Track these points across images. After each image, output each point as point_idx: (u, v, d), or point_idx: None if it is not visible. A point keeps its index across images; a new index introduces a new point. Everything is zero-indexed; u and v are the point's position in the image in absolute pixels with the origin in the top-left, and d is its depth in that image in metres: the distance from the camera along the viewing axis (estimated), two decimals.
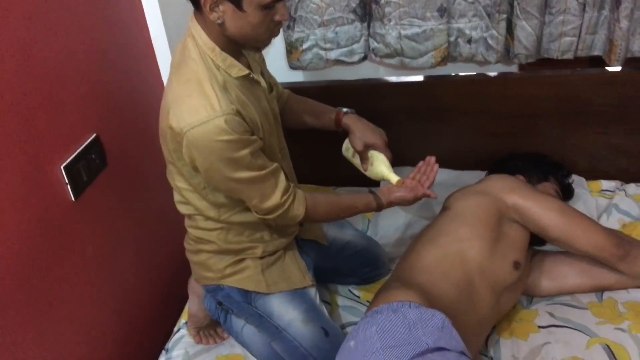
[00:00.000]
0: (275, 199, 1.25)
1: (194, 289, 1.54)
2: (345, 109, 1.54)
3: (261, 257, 1.40)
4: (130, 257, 1.60)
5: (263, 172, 1.22)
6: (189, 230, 1.42)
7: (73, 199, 1.33)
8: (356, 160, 1.54)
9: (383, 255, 1.69)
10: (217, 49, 1.20)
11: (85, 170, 1.37)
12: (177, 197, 1.39)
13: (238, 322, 1.46)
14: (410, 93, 1.93)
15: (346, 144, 1.55)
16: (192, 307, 1.55)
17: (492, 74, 1.89)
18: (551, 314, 1.48)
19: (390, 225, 1.83)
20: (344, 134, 1.54)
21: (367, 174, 1.52)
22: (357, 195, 1.44)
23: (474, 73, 1.92)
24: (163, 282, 1.79)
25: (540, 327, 1.45)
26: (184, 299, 1.66)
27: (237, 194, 1.27)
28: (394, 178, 1.45)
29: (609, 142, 1.89)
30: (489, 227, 1.42)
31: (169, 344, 1.54)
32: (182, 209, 1.39)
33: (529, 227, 1.46)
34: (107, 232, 1.48)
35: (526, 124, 1.90)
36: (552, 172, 1.70)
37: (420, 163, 1.50)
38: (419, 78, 1.93)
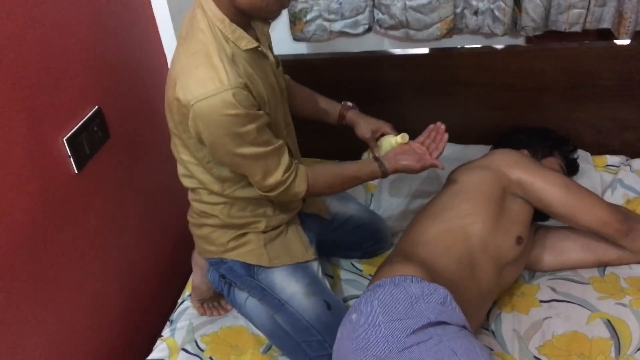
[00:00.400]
0: (277, 176, 1.25)
1: (198, 261, 1.55)
2: (350, 103, 1.55)
3: (264, 232, 1.40)
4: (133, 229, 1.61)
5: (268, 148, 1.22)
6: (193, 203, 1.42)
7: (76, 171, 1.33)
8: None
9: (385, 229, 1.70)
10: (227, 20, 1.18)
11: (88, 143, 1.36)
12: (181, 170, 1.38)
13: (241, 295, 1.48)
14: (415, 66, 1.91)
15: (365, 154, 1.57)
16: (196, 279, 1.56)
17: (499, 46, 1.86)
18: (553, 289, 1.49)
19: (393, 199, 1.83)
20: (344, 128, 1.55)
21: (381, 150, 1.51)
22: (360, 164, 1.43)
23: (480, 45, 1.89)
24: (167, 254, 1.80)
25: (541, 301, 1.46)
26: (188, 270, 1.67)
27: (240, 169, 1.26)
28: (400, 137, 1.44)
29: (616, 116, 1.87)
30: (492, 202, 1.41)
31: (174, 315, 1.55)
32: (186, 182, 1.39)
33: (532, 203, 1.45)
34: (110, 204, 1.48)
35: (532, 97, 1.88)
36: (557, 146, 1.69)
37: (431, 126, 1.48)
38: (424, 50, 1.90)
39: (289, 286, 1.39)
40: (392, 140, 1.47)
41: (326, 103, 1.56)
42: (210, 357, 1.41)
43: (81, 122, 1.34)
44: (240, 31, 1.20)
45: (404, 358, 1.07)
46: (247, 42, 1.21)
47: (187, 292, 1.62)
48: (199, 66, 1.15)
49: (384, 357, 1.09)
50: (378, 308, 1.15)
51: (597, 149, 1.91)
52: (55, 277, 1.28)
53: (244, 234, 1.40)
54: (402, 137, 1.45)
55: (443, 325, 1.13)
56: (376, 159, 1.42)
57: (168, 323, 1.53)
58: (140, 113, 1.63)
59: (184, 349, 1.44)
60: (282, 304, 1.38)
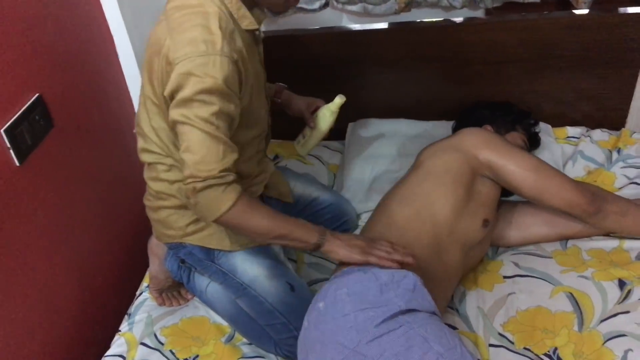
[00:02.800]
0: (212, 165, 1.12)
1: (154, 250, 1.50)
2: (282, 84, 1.59)
3: None
4: (86, 221, 1.54)
5: (219, 134, 1.13)
6: (149, 183, 1.36)
7: (17, 163, 1.25)
8: (310, 138, 1.54)
9: (350, 211, 1.67)
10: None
11: (29, 133, 1.29)
12: (142, 143, 1.32)
13: (202, 281, 1.43)
14: (374, 41, 1.87)
15: (299, 137, 1.57)
16: (153, 268, 1.51)
17: (458, 19, 1.83)
18: (516, 264, 1.48)
19: (356, 179, 1.79)
20: (277, 107, 1.54)
21: (316, 132, 1.51)
22: (299, 226, 1.23)
23: (440, 19, 1.85)
24: (124, 245, 1.74)
25: (505, 277, 1.46)
26: (147, 261, 1.61)
27: (181, 140, 1.14)
28: (337, 98, 1.40)
29: (576, 87, 1.86)
30: (461, 185, 1.38)
31: (131, 309, 1.50)
32: (145, 157, 1.33)
33: (501, 184, 1.44)
34: (58, 196, 1.41)
35: (492, 70, 1.86)
36: (519, 121, 1.68)
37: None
38: (383, 25, 1.86)
39: (251, 269, 1.36)
40: (330, 107, 1.44)
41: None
42: (171, 350, 1.37)
43: (20, 112, 1.26)
44: (244, 10, 1.20)
45: (374, 348, 1.05)
46: (249, 22, 1.22)
47: (145, 283, 1.57)
48: (195, 26, 1.12)
49: (353, 347, 1.06)
50: (347, 297, 1.12)
51: (558, 121, 1.91)
52: (3, 273, 1.21)
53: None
54: (340, 98, 1.40)
55: (413, 312, 1.10)
56: (322, 230, 1.25)
57: (126, 317, 1.48)
58: (86, 99, 1.55)
59: (142, 343, 1.39)
60: (245, 287, 1.35)
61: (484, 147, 1.42)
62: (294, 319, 1.32)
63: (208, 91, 1.11)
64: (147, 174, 1.37)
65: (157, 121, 1.26)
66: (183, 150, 1.14)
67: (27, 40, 1.29)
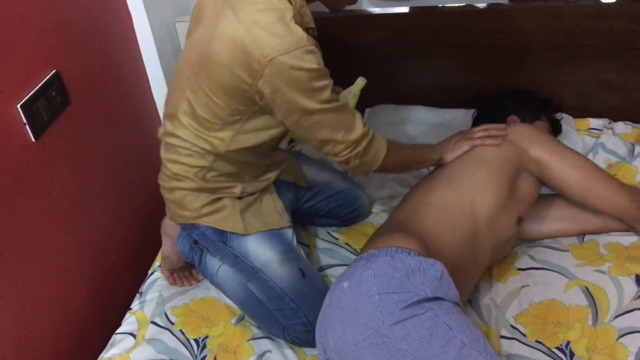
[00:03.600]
0: (359, 128, 1.23)
1: (167, 230, 1.50)
2: None
3: (239, 197, 1.35)
4: (101, 198, 1.55)
5: (340, 103, 1.21)
6: (167, 164, 1.35)
7: (33, 139, 1.26)
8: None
9: (363, 197, 1.65)
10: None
11: (46, 109, 1.29)
12: (170, 127, 1.31)
13: (213, 263, 1.43)
14: (394, 26, 1.84)
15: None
16: (165, 249, 1.51)
17: (481, 5, 1.79)
18: (531, 257, 1.46)
19: None
20: None
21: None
22: (425, 149, 1.44)
23: (462, 4, 1.82)
24: (138, 223, 1.74)
25: (519, 269, 1.44)
26: (159, 240, 1.62)
27: (318, 130, 1.20)
28: (359, 80, 1.39)
29: (600, 78, 1.82)
30: (506, 176, 1.35)
31: (143, 287, 1.51)
32: (170, 139, 1.31)
33: (547, 182, 1.40)
34: (74, 173, 1.42)
35: (514, 58, 1.82)
36: (542, 109, 1.65)
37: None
38: (404, 9, 1.83)
39: (263, 253, 1.35)
40: (352, 89, 1.41)
41: None
42: (181, 330, 1.38)
43: (37, 88, 1.26)
44: (306, 8, 1.21)
45: (398, 330, 1.04)
46: (309, 19, 1.23)
47: (157, 262, 1.57)
48: (274, 22, 1.10)
49: (375, 328, 1.05)
50: (373, 278, 1.11)
51: (580, 112, 1.87)
52: (19, 249, 1.23)
53: (219, 199, 1.35)
54: (361, 80, 1.39)
55: (438, 300, 1.09)
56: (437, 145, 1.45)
57: (137, 295, 1.49)
58: (104, 77, 1.55)
59: (153, 322, 1.40)
60: (256, 271, 1.35)
61: (536, 142, 1.39)
62: (303, 305, 1.32)
63: (317, 77, 1.13)
64: (166, 155, 1.36)
65: (205, 111, 1.23)
66: (325, 136, 1.21)
67: (46, 16, 1.29)
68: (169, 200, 1.40)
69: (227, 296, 1.44)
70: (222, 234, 1.36)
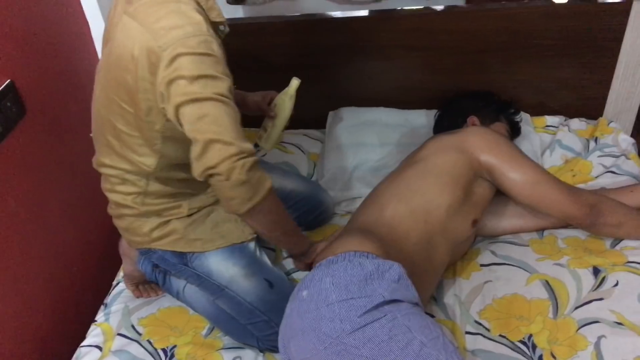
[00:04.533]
0: (248, 145, 1.11)
1: (125, 252, 1.47)
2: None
3: (189, 215, 1.32)
4: (60, 209, 1.52)
5: (234, 104, 1.12)
6: (106, 194, 1.32)
7: None
8: (273, 129, 1.47)
9: (327, 200, 1.66)
10: None
11: (0, 120, 1.26)
12: (99, 154, 1.28)
13: (178, 283, 1.42)
14: (354, 29, 1.85)
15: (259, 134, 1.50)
16: (127, 268, 1.49)
17: (438, 7, 1.82)
18: (493, 252, 1.49)
19: (337, 168, 1.79)
20: None
21: (277, 120, 1.44)
22: (301, 234, 1.42)
23: (420, 7, 1.85)
24: (100, 234, 1.72)
25: (482, 265, 1.47)
26: None
27: (208, 124, 1.08)
28: (293, 81, 1.37)
29: (555, 76, 1.87)
30: (459, 187, 1.37)
31: (108, 299, 1.49)
32: (103, 169, 1.29)
33: (498, 187, 1.43)
34: (31, 184, 1.39)
35: (473, 59, 1.86)
36: (502, 110, 1.68)
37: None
38: (364, 13, 1.84)
39: (227, 270, 1.32)
40: (287, 91, 1.40)
41: None
42: (149, 340, 1.36)
43: None
44: (213, 1, 1.16)
45: (357, 337, 1.05)
46: (217, 14, 1.18)
47: (121, 273, 1.55)
48: (170, 13, 1.08)
49: (336, 337, 1.06)
50: (331, 286, 1.12)
51: (537, 110, 1.91)
52: None
53: (167, 222, 1.31)
54: (295, 80, 1.37)
55: (397, 302, 1.11)
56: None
57: (102, 307, 1.47)
58: (60, 84, 1.52)
59: (120, 334, 1.38)
60: (222, 289, 1.32)
61: (487, 150, 1.41)
62: (274, 315, 1.29)
63: (214, 67, 1.08)
64: (104, 185, 1.32)
65: (124, 123, 1.19)
66: (206, 125, 1.07)
67: None
68: (121, 228, 1.37)
69: (197, 312, 1.42)
70: (181, 256, 1.33)
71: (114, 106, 1.19)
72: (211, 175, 1.10)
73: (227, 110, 1.09)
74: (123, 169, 1.25)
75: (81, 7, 1.61)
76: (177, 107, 1.08)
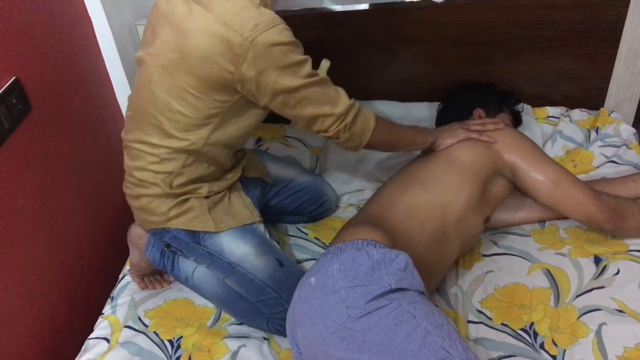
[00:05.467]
0: (344, 100, 1.25)
1: (134, 240, 1.49)
2: None
3: (206, 197, 1.36)
4: (68, 204, 1.54)
5: (323, 77, 1.23)
6: (132, 172, 1.36)
7: None
8: None
9: (329, 192, 1.68)
10: None
11: (6, 117, 1.28)
12: (139, 133, 1.31)
13: (187, 266, 1.43)
14: (355, 22, 1.86)
15: None
16: (134, 258, 1.51)
17: (438, 0, 1.82)
18: (495, 243, 1.51)
19: (340, 161, 1.80)
20: None
21: None
22: (420, 131, 1.44)
23: (421, 0, 1.85)
24: (107, 228, 1.74)
25: (484, 255, 1.48)
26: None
27: (305, 106, 1.22)
28: (322, 66, 1.41)
29: (556, 67, 1.87)
30: (479, 181, 1.38)
31: (114, 292, 1.51)
32: (138, 145, 1.32)
33: (519, 187, 1.44)
34: (39, 180, 1.41)
35: (473, 51, 1.87)
36: (504, 101, 1.69)
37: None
38: (364, 6, 1.85)
39: (238, 248, 1.36)
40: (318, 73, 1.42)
41: None
42: (155, 332, 1.38)
43: None
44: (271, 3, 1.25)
45: (363, 323, 1.07)
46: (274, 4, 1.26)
47: (127, 266, 1.57)
48: (246, 7, 1.15)
49: (342, 323, 1.07)
50: (338, 273, 1.13)
51: (538, 101, 1.92)
52: None
53: (186, 200, 1.35)
54: (325, 62, 1.41)
55: (403, 291, 1.12)
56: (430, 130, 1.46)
57: (109, 300, 1.49)
58: (65, 81, 1.54)
59: (127, 326, 1.40)
60: (233, 267, 1.35)
61: (513, 148, 1.41)
62: (284, 293, 1.33)
63: (296, 50, 1.17)
64: (131, 163, 1.36)
65: (184, 107, 1.24)
66: (312, 111, 1.23)
67: (3, 23, 1.28)
68: (136, 208, 1.40)
69: (205, 297, 1.44)
70: (194, 235, 1.37)
71: (177, 90, 1.23)
72: (323, 136, 1.29)
73: (317, 88, 1.22)
74: (167, 147, 1.29)
75: (84, 5, 1.62)
76: (272, 97, 1.20)
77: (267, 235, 1.44)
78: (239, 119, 1.30)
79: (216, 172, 1.38)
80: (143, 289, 1.50)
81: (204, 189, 1.36)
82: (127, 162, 1.37)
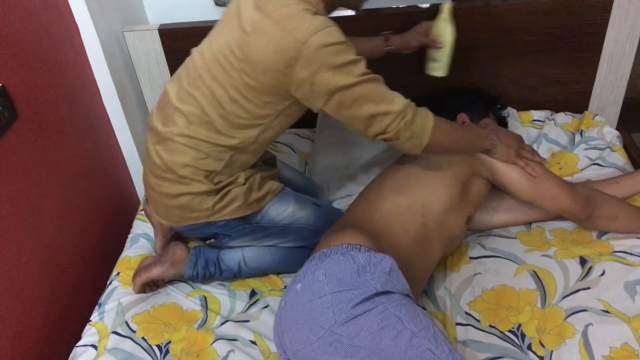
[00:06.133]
0: (399, 97, 1.25)
1: (177, 260, 1.52)
2: (386, 32, 1.69)
3: (244, 184, 1.40)
4: (55, 212, 1.53)
5: (377, 75, 1.24)
6: (173, 167, 1.35)
7: None
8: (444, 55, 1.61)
9: (322, 195, 1.69)
10: (321, 5, 1.26)
11: None
12: (184, 127, 1.33)
13: (235, 257, 1.51)
14: (341, 28, 1.86)
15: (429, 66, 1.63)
16: (164, 274, 1.51)
17: (425, 5, 1.84)
18: (482, 245, 1.52)
19: (327, 166, 1.81)
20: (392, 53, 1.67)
21: (446, 47, 1.59)
22: (479, 135, 1.42)
23: (405, 5, 1.87)
24: (94, 235, 1.73)
25: (471, 258, 1.49)
26: (118, 250, 1.62)
27: (361, 104, 1.21)
28: (446, 8, 1.49)
29: (541, 72, 1.89)
30: (459, 183, 1.40)
31: (102, 298, 1.50)
32: (183, 139, 1.33)
33: (498, 187, 1.47)
34: (25, 188, 1.40)
35: (459, 56, 1.87)
36: (489, 107, 1.70)
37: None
38: (350, 12, 1.86)
39: (285, 211, 1.46)
40: (442, 17, 1.52)
41: (368, 43, 1.64)
42: (143, 337, 1.38)
43: None
44: (324, 13, 1.28)
45: (350, 328, 1.07)
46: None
47: (115, 271, 1.56)
48: (299, 12, 1.18)
49: (329, 328, 1.08)
50: (324, 278, 1.14)
51: (523, 105, 1.94)
52: None
53: (228, 192, 1.39)
54: (447, 4, 1.49)
55: (388, 294, 1.13)
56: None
57: (97, 307, 1.48)
58: (52, 88, 1.53)
59: (114, 332, 1.39)
60: (288, 226, 1.46)
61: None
62: (328, 225, 1.43)
63: (347, 50, 1.19)
64: (171, 157, 1.35)
65: (236, 108, 1.28)
66: (370, 110, 1.21)
67: None
68: (172, 207, 1.40)
69: (264, 272, 1.54)
70: (242, 217, 1.41)
71: (234, 91, 1.27)
72: (382, 139, 1.27)
73: (373, 85, 1.22)
74: (215, 144, 1.32)
75: (71, 12, 1.63)
76: (328, 97, 1.21)
77: (294, 192, 1.53)
78: (287, 119, 1.34)
79: (253, 160, 1.42)
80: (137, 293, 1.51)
81: (242, 177, 1.40)
82: (166, 157, 1.36)
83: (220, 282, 1.54)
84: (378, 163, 1.80)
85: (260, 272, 1.54)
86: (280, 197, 1.47)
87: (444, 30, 1.52)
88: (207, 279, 1.52)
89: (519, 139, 1.47)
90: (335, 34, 1.18)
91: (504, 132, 1.47)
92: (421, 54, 1.85)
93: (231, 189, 1.38)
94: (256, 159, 1.44)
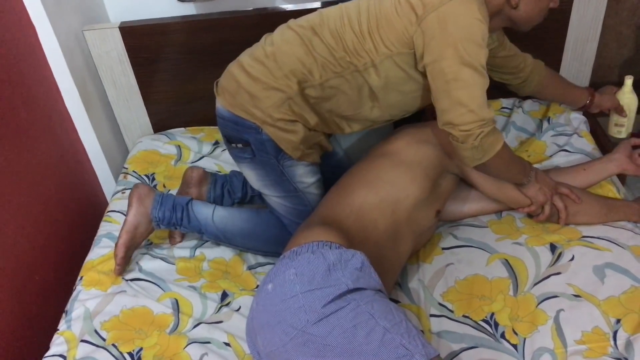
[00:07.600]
0: (491, 111, 1.25)
1: (142, 196, 1.52)
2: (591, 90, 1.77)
3: (310, 130, 1.41)
4: (18, 219, 1.49)
5: (488, 80, 1.25)
6: (277, 55, 1.35)
7: None
8: (629, 122, 1.79)
9: None
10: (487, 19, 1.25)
11: None
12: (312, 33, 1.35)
13: (206, 210, 1.54)
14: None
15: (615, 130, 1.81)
16: (134, 219, 1.49)
17: None
18: (454, 236, 1.52)
19: None
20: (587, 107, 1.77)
21: (631, 115, 1.77)
22: (524, 169, 1.43)
23: None
24: (60, 242, 1.69)
25: (443, 248, 1.49)
26: (84, 254, 1.58)
27: (459, 87, 1.21)
28: (627, 80, 1.72)
29: None
30: (429, 179, 1.39)
31: (68, 306, 1.46)
32: (313, 38, 1.34)
33: (469, 182, 1.50)
34: None
35: None
36: None
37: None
38: (317, 4, 1.84)
39: (307, 179, 1.47)
40: (626, 91, 1.73)
41: (572, 93, 1.75)
42: (114, 344, 1.35)
43: None
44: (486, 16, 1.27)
45: (322, 327, 1.06)
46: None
47: (80, 275, 1.52)
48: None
49: (301, 328, 1.07)
50: (295, 277, 1.12)
51: (491, 93, 1.91)
52: None
53: (295, 122, 1.38)
54: (629, 79, 1.71)
55: (360, 290, 1.12)
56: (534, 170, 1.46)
57: (63, 314, 1.44)
58: (9, 91, 1.49)
59: (83, 340, 1.35)
60: (297, 191, 1.47)
61: None
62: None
63: (480, 33, 1.20)
64: (286, 47, 1.35)
65: (376, 53, 1.30)
66: (462, 97, 1.21)
67: None
68: (243, 89, 1.37)
69: (230, 234, 1.54)
70: (278, 150, 1.40)
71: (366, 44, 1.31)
72: (449, 132, 1.26)
73: (480, 80, 1.22)
74: (331, 56, 1.32)
75: (27, 13, 1.57)
76: (440, 55, 1.21)
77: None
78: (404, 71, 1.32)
79: (332, 118, 1.41)
80: (119, 273, 1.48)
81: (313, 120, 1.39)
82: (278, 41, 1.37)
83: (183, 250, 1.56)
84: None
85: (224, 238, 1.55)
86: (312, 167, 1.48)
87: (631, 100, 1.74)
88: (172, 225, 1.53)
89: (553, 185, 1.48)
90: (471, 12, 1.20)
91: (541, 174, 1.48)
92: None
93: (298, 122, 1.38)
94: (336, 118, 1.42)
